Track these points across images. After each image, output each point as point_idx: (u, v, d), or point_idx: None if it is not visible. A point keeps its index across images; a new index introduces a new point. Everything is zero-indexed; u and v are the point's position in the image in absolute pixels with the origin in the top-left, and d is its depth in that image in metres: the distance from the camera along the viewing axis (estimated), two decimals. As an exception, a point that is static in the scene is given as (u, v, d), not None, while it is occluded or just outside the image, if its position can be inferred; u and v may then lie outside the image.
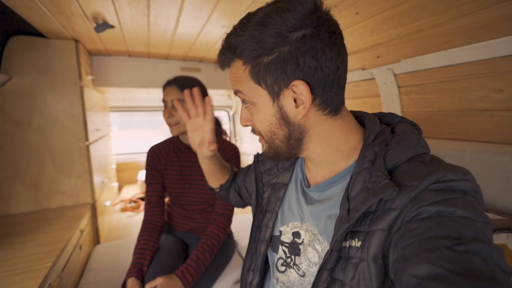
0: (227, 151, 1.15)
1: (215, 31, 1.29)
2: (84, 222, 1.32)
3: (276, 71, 0.41)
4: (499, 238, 0.71)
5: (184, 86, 1.10)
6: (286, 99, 0.43)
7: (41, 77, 1.30)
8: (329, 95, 0.43)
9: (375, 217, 0.38)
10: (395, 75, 1.14)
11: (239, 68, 0.44)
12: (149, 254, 1.01)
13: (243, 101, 0.48)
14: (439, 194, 0.34)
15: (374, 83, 1.27)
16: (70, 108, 1.38)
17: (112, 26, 1.17)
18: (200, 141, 0.70)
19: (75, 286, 1.10)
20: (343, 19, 1.05)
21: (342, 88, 0.45)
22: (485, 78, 0.86)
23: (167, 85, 1.09)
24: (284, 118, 0.44)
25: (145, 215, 1.15)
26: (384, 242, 0.36)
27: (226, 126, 3.22)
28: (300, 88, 0.41)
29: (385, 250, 0.36)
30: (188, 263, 0.96)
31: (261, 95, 0.44)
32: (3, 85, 1.23)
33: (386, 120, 0.50)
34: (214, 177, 0.77)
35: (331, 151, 0.47)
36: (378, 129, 0.46)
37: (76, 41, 1.36)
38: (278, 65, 0.40)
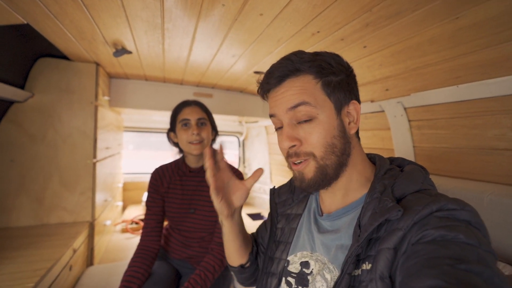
0: None
1: (226, 59, 1.35)
2: (79, 241, 1.29)
3: (344, 89, 0.49)
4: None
5: (204, 108, 1.15)
6: (344, 115, 0.50)
7: (60, 96, 1.38)
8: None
9: (382, 238, 0.40)
10: (405, 108, 1.10)
11: (309, 82, 0.48)
12: (136, 283, 0.95)
13: (300, 119, 0.49)
14: (443, 220, 0.36)
15: (384, 116, 1.23)
16: (83, 126, 1.43)
17: (129, 52, 1.25)
18: (231, 192, 0.60)
19: (58, 310, 1.04)
20: (351, 52, 1.06)
21: None
22: (502, 115, 0.81)
23: (187, 105, 1.12)
24: (343, 131, 0.49)
25: (141, 240, 1.10)
26: (391, 261, 0.37)
27: (235, 152, 3.22)
28: (352, 108, 0.50)
29: (392, 273, 0.37)
30: None
31: (328, 107, 0.48)
32: (24, 102, 1.31)
33: (396, 163, 0.55)
34: (241, 249, 0.66)
35: (353, 179, 0.51)
36: (388, 167, 0.50)
37: (97, 64, 1.45)
38: (344, 85, 0.49)
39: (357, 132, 0.53)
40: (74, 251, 1.21)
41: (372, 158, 0.56)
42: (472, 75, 0.82)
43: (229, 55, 1.28)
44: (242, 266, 0.67)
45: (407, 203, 0.41)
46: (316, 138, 0.47)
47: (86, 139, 1.44)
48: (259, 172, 0.59)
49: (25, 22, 0.94)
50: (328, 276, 0.47)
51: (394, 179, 0.46)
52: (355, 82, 0.52)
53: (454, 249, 0.32)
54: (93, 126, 1.45)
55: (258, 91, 0.55)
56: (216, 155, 0.62)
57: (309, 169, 0.49)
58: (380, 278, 0.37)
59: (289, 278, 0.54)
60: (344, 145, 0.49)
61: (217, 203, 0.57)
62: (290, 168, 0.53)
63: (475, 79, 0.82)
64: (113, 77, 1.80)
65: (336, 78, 0.48)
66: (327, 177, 0.49)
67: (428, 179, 0.47)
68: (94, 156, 1.46)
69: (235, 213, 0.61)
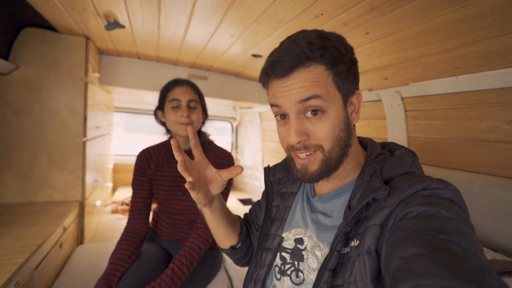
0: (220, 157, 1.11)
1: (224, 40, 1.30)
2: (69, 220, 1.27)
3: (351, 79, 0.47)
4: (508, 283, 0.64)
5: (196, 89, 1.10)
6: (348, 105, 0.49)
7: (47, 70, 1.31)
8: None
9: (370, 216, 0.42)
10: (402, 98, 1.11)
11: (321, 73, 0.45)
12: (122, 265, 0.93)
13: (312, 110, 0.46)
14: (427, 198, 0.38)
15: (381, 105, 1.24)
16: (71, 103, 1.37)
17: (122, 26, 1.18)
18: (207, 181, 0.56)
19: (48, 286, 1.03)
20: (353, 37, 1.04)
21: None
22: (497, 108, 0.82)
23: (178, 83, 1.06)
24: (348, 123, 0.49)
25: (128, 222, 1.08)
26: (378, 236, 0.39)
27: (228, 138, 3.20)
28: (355, 98, 0.49)
29: (379, 247, 0.39)
30: (162, 278, 0.87)
31: (338, 100, 0.47)
32: (8, 74, 1.24)
33: (388, 148, 0.56)
34: (228, 232, 0.65)
35: (347, 165, 0.51)
36: (379, 151, 0.52)
37: (87, 38, 1.38)
38: (352, 75, 0.48)
39: None
40: (64, 229, 1.20)
41: (364, 143, 0.57)
42: (472, 66, 0.83)
43: (227, 35, 1.23)
44: (232, 247, 0.67)
45: (394, 183, 0.43)
46: (325, 132, 0.46)
47: (75, 117, 1.38)
48: (238, 170, 0.53)
49: (9, -15, 0.87)
50: (318, 254, 0.49)
51: (383, 162, 0.48)
52: (358, 70, 0.50)
53: (436, 222, 0.34)
54: (82, 103, 1.39)
55: (260, 78, 0.52)
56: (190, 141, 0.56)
57: (315, 162, 0.48)
58: (367, 252, 0.39)
59: (284, 254, 0.56)
60: (348, 136, 0.49)
61: (195, 196, 0.52)
62: (291, 157, 0.51)
63: (474, 71, 0.82)
64: (104, 53, 1.72)
65: (345, 67, 0.46)
66: (329, 169, 0.49)
67: (416, 163, 0.49)
68: (84, 135, 1.42)
69: (213, 200, 0.58)
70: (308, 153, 0.48)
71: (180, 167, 0.49)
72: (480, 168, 0.90)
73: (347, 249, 0.43)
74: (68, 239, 1.28)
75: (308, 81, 0.45)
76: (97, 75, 1.58)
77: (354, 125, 0.53)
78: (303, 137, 0.47)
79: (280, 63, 0.45)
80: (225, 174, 0.54)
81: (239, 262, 0.72)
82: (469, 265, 0.28)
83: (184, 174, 0.50)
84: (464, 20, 0.77)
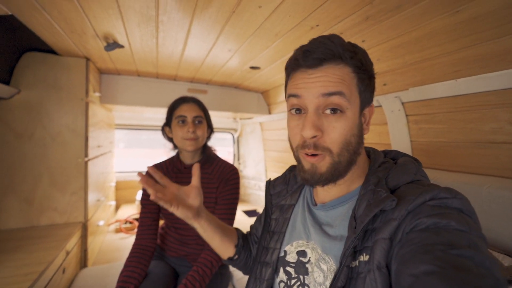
0: (226, 171, 1.11)
1: (222, 54, 1.32)
2: (72, 243, 1.25)
3: (370, 89, 0.49)
4: (529, 290, 0.62)
5: (201, 106, 1.14)
6: (363, 114, 0.49)
7: (48, 92, 1.32)
8: None
9: (378, 229, 0.41)
10: (402, 103, 1.10)
11: (347, 74, 0.46)
12: (133, 283, 0.92)
13: (334, 109, 0.45)
14: (435, 208, 0.37)
15: (381, 111, 1.23)
16: (73, 123, 1.38)
17: (121, 46, 1.20)
18: (183, 197, 0.61)
19: (51, 314, 1.00)
20: (349, 46, 1.05)
21: None
22: (499, 109, 0.82)
23: (185, 101, 1.10)
24: (360, 130, 0.49)
25: (136, 239, 1.08)
26: (387, 250, 0.38)
27: (230, 149, 3.20)
28: (368, 110, 0.50)
29: (389, 262, 0.38)
30: None
31: (356, 104, 0.47)
32: (10, 98, 1.25)
33: (390, 156, 0.55)
34: (224, 243, 0.68)
35: (353, 173, 0.50)
36: (382, 160, 0.51)
37: (87, 59, 1.40)
38: (371, 86, 0.49)
39: None
40: (67, 253, 1.17)
41: (367, 152, 0.56)
42: (471, 69, 0.83)
43: (225, 50, 1.25)
44: (230, 258, 0.70)
45: (400, 193, 0.42)
46: (339, 132, 0.45)
47: (77, 137, 1.39)
48: (196, 167, 0.62)
49: (10, 13, 0.88)
50: (324, 267, 0.48)
51: (388, 171, 0.47)
52: (374, 85, 0.51)
53: (446, 235, 0.33)
54: (84, 123, 1.40)
55: (287, 66, 0.51)
56: (155, 177, 0.62)
57: (323, 164, 0.47)
58: (377, 268, 0.38)
59: (288, 268, 0.54)
60: (358, 144, 0.48)
61: (176, 212, 0.57)
62: (298, 159, 0.50)
63: (474, 73, 0.82)
64: (104, 73, 1.74)
65: (367, 76, 0.47)
66: (338, 173, 0.48)
67: (421, 171, 0.48)
68: (86, 155, 1.41)
69: (200, 214, 0.62)
70: (316, 153, 0.46)
71: (152, 195, 0.54)
72: (487, 170, 0.88)
73: (355, 263, 0.41)
74: (71, 263, 1.25)
75: (335, 77, 0.45)
76: (97, 94, 1.60)
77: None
78: (318, 132, 0.45)
79: (313, 53, 0.45)
80: (194, 179, 0.61)
81: (242, 270, 0.74)
82: (484, 284, 0.27)
83: (160, 203, 0.55)
84: (459, 24, 0.77)
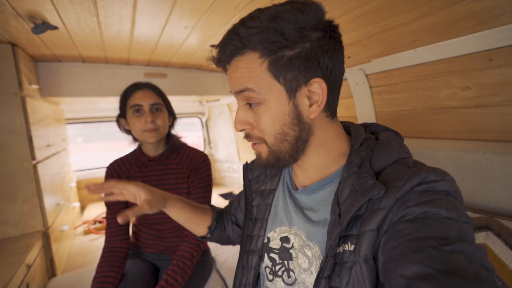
0: (195, 159, 1.06)
1: (178, 32, 1.19)
2: (33, 255, 1.13)
3: (299, 67, 0.40)
4: (479, 237, 0.70)
5: (158, 91, 1.03)
6: (302, 97, 0.43)
7: (-31, 88, 1.10)
8: (334, 97, 0.45)
9: (364, 218, 0.39)
10: (366, 75, 1.12)
11: (253, 62, 0.41)
12: None
13: (248, 102, 0.45)
14: (423, 195, 0.35)
15: (346, 84, 1.25)
16: (9, 123, 1.18)
17: (55, 27, 1.02)
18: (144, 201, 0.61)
19: (21, 334, 0.92)
20: (312, 18, 1.01)
21: (339, 92, 0.47)
22: (453, 76, 0.87)
23: (138, 88, 0.99)
24: (297, 117, 0.43)
25: (106, 241, 1.01)
26: (374, 242, 0.37)
27: (199, 133, 3.09)
28: (317, 87, 0.42)
29: (375, 252, 0.37)
30: None
31: (277, 92, 0.42)
32: None
33: (370, 130, 0.53)
34: (195, 223, 0.70)
35: (324, 157, 0.48)
36: (364, 136, 0.48)
37: (13, 44, 1.17)
38: (301, 61, 0.40)
39: (330, 108, 0.46)
40: (28, 266, 1.06)
41: (346, 127, 0.53)
42: (428, 38, 0.85)
43: (180, 27, 1.13)
44: (203, 237, 0.72)
45: (386, 177, 0.40)
46: (264, 124, 0.44)
47: (17, 138, 1.20)
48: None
49: None
50: (309, 253, 0.47)
51: (371, 150, 0.45)
52: (328, 50, 0.41)
53: (436, 226, 0.32)
54: (23, 122, 1.21)
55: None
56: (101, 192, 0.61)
57: (263, 151, 0.48)
58: (364, 260, 0.37)
59: (272, 254, 0.54)
60: (299, 132, 0.44)
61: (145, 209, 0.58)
62: None
63: (430, 42, 0.85)
64: (39, 61, 1.49)
65: (291, 52, 0.39)
66: (281, 161, 0.47)
67: (404, 146, 0.46)
68: (33, 157, 1.24)
69: (167, 201, 0.64)
70: (254, 142, 0.48)
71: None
72: (442, 134, 0.95)
73: (339, 249, 0.40)
74: (36, 275, 1.14)
75: (240, 71, 0.42)
76: (35, 86, 1.38)
77: (330, 114, 0.46)
78: (245, 126, 0.47)
79: (222, 51, 0.44)
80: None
81: (218, 243, 0.76)
82: None
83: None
84: (416, -8, 0.77)
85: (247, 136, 0.48)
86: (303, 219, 0.49)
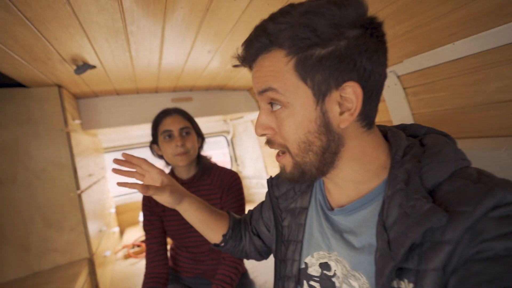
0: (226, 179, 1.06)
1: (202, 57, 1.24)
2: (81, 282, 1.17)
3: (330, 68, 0.35)
4: None
5: (186, 115, 1.07)
6: (332, 102, 0.37)
7: (23, 129, 1.22)
8: (372, 105, 0.39)
9: (424, 251, 0.31)
10: (398, 76, 1.06)
11: (279, 60, 0.37)
12: None
13: (271, 103, 0.41)
14: (503, 223, 0.27)
15: (376, 88, 1.19)
16: (57, 157, 1.28)
17: (93, 66, 1.11)
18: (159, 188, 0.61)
19: None
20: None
21: (379, 100, 0.40)
22: (503, 66, 0.78)
23: (167, 114, 1.04)
24: (325, 125, 0.38)
25: (147, 267, 1.03)
26: (440, 285, 0.29)
27: (224, 150, 3.13)
28: (350, 92, 0.36)
29: None
30: None
31: (303, 95, 0.37)
32: (-18, 143, 1.15)
33: (410, 132, 0.45)
34: (210, 229, 0.67)
35: (360, 171, 0.41)
36: (406, 144, 0.41)
37: (59, 86, 1.30)
38: (334, 61, 0.35)
39: (366, 118, 0.39)
40: (77, 294, 1.10)
41: (383, 132, 0.46)
42: (467, 29, 0.78)
43: (204, 52, 1.17)
44: (216, 245, 0.69)
45: (446, 197, 0.32)
46: (287, 130, 0.40)
47: (64, 170, 1.30)
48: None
49: (-41, 51, 0.79)
50: (355, 284, 0.41)
51: (417, 160, 0.37)
52: (367, 50, 0.35)
53: None
54: (69, 155, 1.31)
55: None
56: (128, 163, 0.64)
57: (287, 163, 0.43)
58: None
59: (312, 282, 0.48)
60: (327, 142, 0.39)
61: (159, 198, 0.60)
62: None
63: (471, 33, 0.78)
64: (80, 98, 1.64)
65: (323, 50, 0.35)
66: (307, 175, 0.42)
67: (459, 152, 0.37)
68: (78, 187, 1.33)
69: (183, 200, 0.63)
70: (277, 150, 0.44)
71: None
72: (499, 132, 0.85)
73: (394, 283, 0.34)
74: (84, 302, 1.18)
75: (265, 70, 0.39)
76: (78, 122, 1.50)
77: (366, 124, 0.40)
78: (267, 131, 0.43)
79: (248, 48, 0.41)
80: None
81: (236, 253, 0.72)
82: None
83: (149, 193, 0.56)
84: (448, -16, 0.72)
85: (269, 142, 0.44)
86: (343, 244, 0.43)
